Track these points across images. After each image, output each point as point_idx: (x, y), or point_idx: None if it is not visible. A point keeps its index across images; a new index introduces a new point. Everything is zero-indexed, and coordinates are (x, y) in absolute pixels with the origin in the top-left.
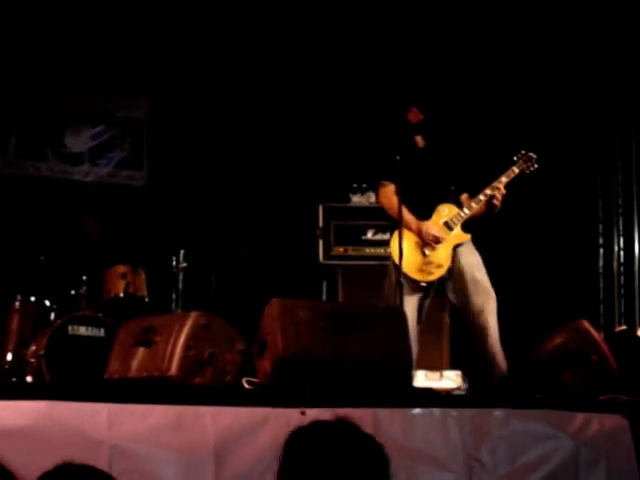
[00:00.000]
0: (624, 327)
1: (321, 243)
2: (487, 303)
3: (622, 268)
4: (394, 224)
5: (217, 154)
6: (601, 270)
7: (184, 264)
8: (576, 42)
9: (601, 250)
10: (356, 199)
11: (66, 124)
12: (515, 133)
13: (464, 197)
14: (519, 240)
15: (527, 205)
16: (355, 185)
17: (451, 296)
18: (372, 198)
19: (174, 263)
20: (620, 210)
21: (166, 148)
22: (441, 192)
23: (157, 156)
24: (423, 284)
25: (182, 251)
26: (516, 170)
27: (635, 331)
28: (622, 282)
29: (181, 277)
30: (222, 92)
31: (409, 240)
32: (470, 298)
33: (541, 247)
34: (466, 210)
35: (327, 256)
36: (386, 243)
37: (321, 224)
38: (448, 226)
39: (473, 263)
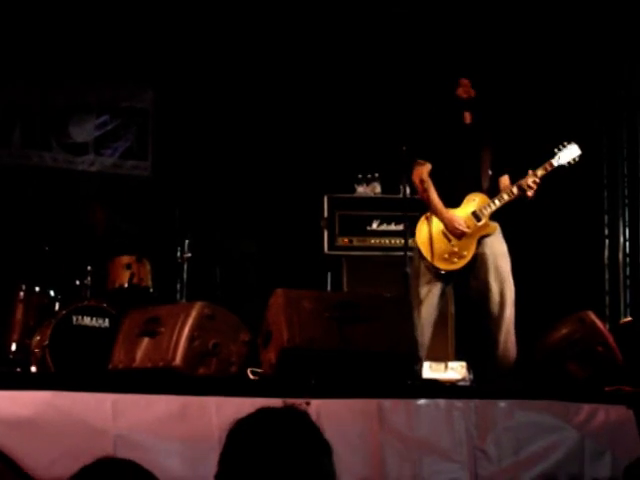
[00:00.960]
0: (629, 318)
1: (326, 234)
2: (506, 293)
3: (628, 259)
4: (421, 208)
5: (222, 145)
6: (606, 261)
7: (189, 254)
8: (589, 31)
9: (607, 241)
10: (361, 189)
11: (71, 114)
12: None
13: (504, 179)
14: (525, 231)
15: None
16: (360, 176)
17: (473, 283)
18: (377, 189)
19: (179, 253)
20: (626, 201)
21: (171, 138)
22: (476, 176)
23: (162, 146)
24: (443, 272)
25: (187, 241)
26: (554, 164)
27: None
28: (628, 273)
29: (186, 267)
30: (227, 82)
31: (435, 227)
32: (490, 285)
33: (547, 238)
34: (497, 201)
35: (332, 247)
36: (391, 234)
37: (326, 215)
38: (476, 216)
39: (498, 252)
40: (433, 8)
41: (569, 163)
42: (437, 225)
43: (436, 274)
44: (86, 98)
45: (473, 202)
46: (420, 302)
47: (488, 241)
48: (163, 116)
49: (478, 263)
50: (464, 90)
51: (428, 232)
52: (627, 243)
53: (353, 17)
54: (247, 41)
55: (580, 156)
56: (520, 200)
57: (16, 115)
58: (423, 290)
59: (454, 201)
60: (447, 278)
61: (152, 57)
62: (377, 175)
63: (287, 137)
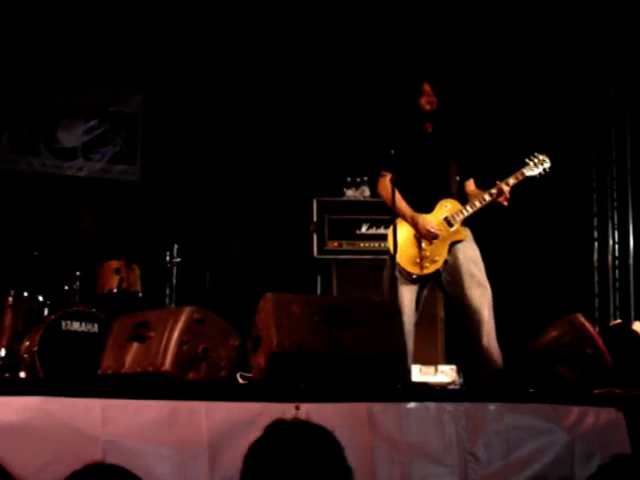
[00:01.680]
0: (619, 321)
1: (315, 237)
2: (482, 297)
3: (617, 262)
4: (393, 216)
5: (210, 149)
6: (596, 264)
7: (178, 259)
8: (577, 34)
9: (596, 244)
10: (350, 193)
11: (59, 119)
12: (521, 125)
13: (469, 184)
14: (514, 233)
15: (522, 198)
16: (349, 179)
17: (447, 289)
18: (366, 192)
19: (168, 258)
20: (615, 204)
21: (159, 143)
22: (445, 182)
23: (150, 151)
24: (414, 277)
25: (176, 246)
26: (525, 173)
27: (630, 325)
28: (617, 276)
29: (175, 272)
30: (216, 87)
31: (407, 232)
32: (465, 292)
33: (536, 240)
34: (469, 208)
35: (321, 250)
36: (380, 237)
37: (315, 218)
38: (448, 222)
39: (470, 257)
40: (403, 11)
41: (540, 174)
42: (408, 230)
43: (408, 278)
44: (74, 103)
45: (445, 208)
46: (401, 299)
47: (460, 247)
48: (152, 120)
49: (452, 270)
50: (426, 100)
51: (396, 239)
52: (616, 246)
53: (341, 20)
54: (236, 44)
55: (550, 168)
56: (495, 206)
57: (4, 120)
58: (400, 294)
59: (426, 207)
60: (422, 282)
61: (140, 61)
62: (366, 178)
63: (276, 141)
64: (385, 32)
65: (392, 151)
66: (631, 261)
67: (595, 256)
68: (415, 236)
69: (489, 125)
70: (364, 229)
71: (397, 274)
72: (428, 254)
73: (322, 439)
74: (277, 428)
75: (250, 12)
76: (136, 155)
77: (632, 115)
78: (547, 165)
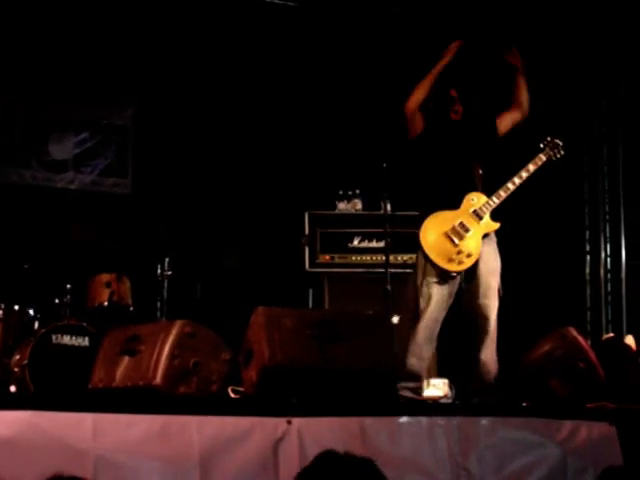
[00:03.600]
0: (611, 334)
1: (307, 251)
2: (493, 309)
3: (609, 275)
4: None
5: (202, 162)
6: (588, 277)
7: (169, 272)
8: (569, 48)
9: (588, 257)
10: (342, 206)
11: (50, 131)
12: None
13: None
14: (507, 246)
15: (514, 211)
16: (341, 192)
17: (462, 290)
18: (358, 205)
19: (159, 271)
20: (607, 217)
21: (151, 156)
22: (469, 176)
23: (142, 164)
24: (454, 274)
25: (167, 259)
26: (543, 158)
27: (622, 338)
28: (609, 289)
29: (166, 285)
30: (207, 99)
31: (437, 231)
32: (479, 301)
33: (528, 254)
34: (495, 199)
35: (313, 264)
36: (373, 250)
37: (307, 232)
38: (477, 215)
39: (491, 268)
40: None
41: (555, 157)
42: (438, 230)
43: (446, 277)
44: (66, 116)
45: (472, 202)
46: (426, 303)
47: (484, 254)
48: (143, 133)
49: (470, 277)
50: (453, 110)
51: (432, 237)
52: (608, 259)
53: (333, 34)
54: (227, 57)
55: (564, 148)
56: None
57: None
58: (430, 289)
59: (453, 203)
60: (455, 282)
61: (132, 74)
62: (358, 192)
63: (268, 154)
64: (377, 46)
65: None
66: (623, 274)
67: (587, 269)
68: (445, 234)
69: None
70: (356, 242)
71: (429, 268)
72: (463, 249)
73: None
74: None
75: (241, 25)
76: (127, 168)
77: (624, 129)
78: (561, 147)
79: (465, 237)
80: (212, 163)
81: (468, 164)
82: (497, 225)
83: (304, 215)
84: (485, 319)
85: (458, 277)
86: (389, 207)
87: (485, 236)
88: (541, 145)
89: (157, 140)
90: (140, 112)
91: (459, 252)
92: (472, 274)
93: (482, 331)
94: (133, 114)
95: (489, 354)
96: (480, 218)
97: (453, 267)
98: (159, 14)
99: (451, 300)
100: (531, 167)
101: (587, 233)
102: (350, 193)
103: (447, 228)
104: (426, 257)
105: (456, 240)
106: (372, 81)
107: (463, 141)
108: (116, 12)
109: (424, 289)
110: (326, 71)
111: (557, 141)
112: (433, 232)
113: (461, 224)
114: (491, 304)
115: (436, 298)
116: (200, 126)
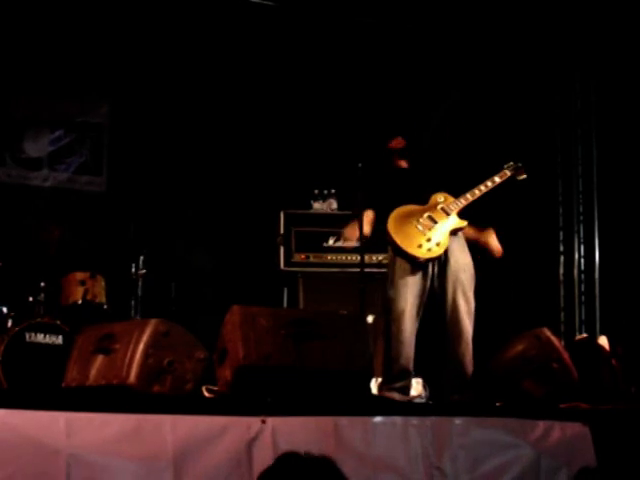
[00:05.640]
0: (585, 335)
1: (282, 250)
2: (466, 306)
3: (583, 276)
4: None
5: (177, 160)
6: (562, 277)
7: (143, 270)
8: (543, 48)
9: (562, 257)
10: (317, 206)
11: (25, 129)
12: (487, 139)
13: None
14: (480, 247)
15: (488, 212)
16: (316, 192)
17: (435, 289)
18: (333, 205)
19: (133, 269)
20: (581, 217)
21: (126, 154)
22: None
23: (117, 162)
24: (422, 261)
25: (141, 257)
26: (508, 173)
27: (595, 339)
28: (583, 290)
29: (140, 284)
30: (182, 97)
31: (405, 220)
32: (448, 298)
33: (502, 254)
34: (462, 200)
35: (288, 263)
36: (347, 250)
37: (282, 231)
38: (445, 211)
39: (462, 264)
40: (384, 24)
41: (516, 179)
42: (408, 221)
43: (414, 264)
44: (40, 113)
45: (440, 200)
46: (403, 302)
47: (454, 249)
48: (118, 131)
49: (440, 272)
50: (397, 142)
51: (401, 225)
52: (582, 260)
53: (310, 35)
54: (202, 55)
55: (526, 180)
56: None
57: None
58: (404, 288)
59: (421, 201)
60: (426, 272)
61: (107, 72)
62: (333, 191)
63: (244, 153)
64: (354, 44)
65: (359, 164)
66: (597, 275)
67: (561, 270)
68: (413, 223)
69: (454, 140)
70: (331, 242)
71: (399, 266)
72: (431, 237)
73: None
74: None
75: (217, 24)
76: (102, 166)
77: (598, 130)
78: (523, 178)
79: (433, 227)
80: (187, 162)
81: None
82: (465, 223)
83: (279, 214)
84: (458, 319)
85: (430, 272)
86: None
87: (453, 233)
88: (504, 166)
89: (132, 138)
90: (115, 110)
91: (428, 239)
92: (443, 271)
93: (458, 331)
94: (108, 112)
95: (466, 354)
96: (447, 214)
97: (422, 254)
98: (134, 11)
99: (425, 297)
100: (497, 179)
101: (561, 234)
102: (325, 192)
103: (415, 219)
104: (396, 248)
105: (424, 229)
106: (347, 81)
107: (415, 182)
108: (91, 9)
109: (399, 288)
110: (302, 71)
111: (519, 165)
112: (401, 221)
113: (429, 216)
114: (463, 300)
115: (410, 299)
116: (175, 124)
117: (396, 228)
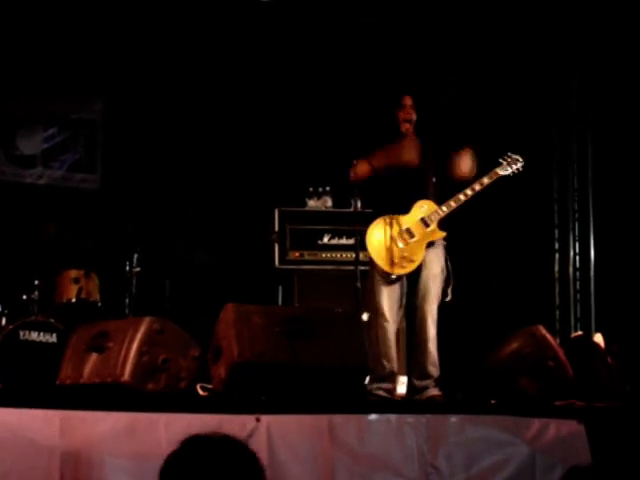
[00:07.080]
0: (580, 333)
1: (277, 247)
2: (430, 314)
3: (578, 273)
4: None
5: (172, 157)
6: (557, 275)
7: (137, 268)
8: (540, 46)
9: (557, 255)
10: (312, 203)
11: (18, 126)
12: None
13: None
14: (475, 244)
15: (483, 209)
16: (311, 189)
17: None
18: (328, 202)
19: (127, 267)
20: (576, 215)
21: (120, 151)
22: (421, 184)
23: (111, 159)
24: (393, 277)
25: (136, 255)
26: (499, 172)
27: (591, 336)
28: (578, 287)
29: (134, 281)
30: (177, 94)
31: (383, 234)
32: (418, 303)
33: (497, 251)
34: (444, 208)
35: (283, 261)
36: (342, 248)
37: (277, 228)
38: (425, 222)
39: (432, 274)
40: (381, 23)
41: (513, 173)
42: (385, 233)
43: (387, 280)
44: (34, 110)
45: (421, 209)
46: (382, 311)
47: (428, 261)
48: (112, 128)
49: (413, 280)
50: (405, 112)
51: (377, 239)
52: (577, 257)
53: (304, 32)
54: (197, 53)
55: (524, 167)
56: (456, 217)
57: None
58: (383, 289)
59: (402, 208)
60: (401, 283)
61: (101, 69)
62: (328, 189)
63: (238, 150)
64: (348, 41)
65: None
66: (592, 273)
67: (556, 267)
68: (391, 237)
69: (451, 137)
70: (326, 239)
71: (377, 277)
72: (406, 254)
73: (238, 452)
74: (192, 442)
75: (210, 20)
76: (96, 163)
77: (594, 127)
78: (520, 165)
79: (409, 242)
80: (182, 159)
81: (421, 172)
82: (443, 234)
83: (274, 212)
84: (424, 321)
85: (404, 279)
86: (359, 204)
87: (430, 245)
88: (500, 160)
89: (126, 135)
90: (109, 107)
91: (402, 257)
92: (415, 278)
93: (421, 332)
94: (102, 109)
95: (427, 356)
96: (427, 226)
97: (395, 270)
98: (127, 8)
99: (404, 300)
100: (485, 180)
101: (556, 231)
102: (320, 190)
103: (393, 232)
104: (371, 261)
105: (401, 244)
106: (342, 78)
107: (414, 147)
108: (85, 6)
109: (377, 293)
110: (296, 68)
111: (517, 157)
112: (379, 235)
113: (407, 230)
114: (429, 308)
115: (388, 303)
116: (170, 121)
117: (373, 241)
